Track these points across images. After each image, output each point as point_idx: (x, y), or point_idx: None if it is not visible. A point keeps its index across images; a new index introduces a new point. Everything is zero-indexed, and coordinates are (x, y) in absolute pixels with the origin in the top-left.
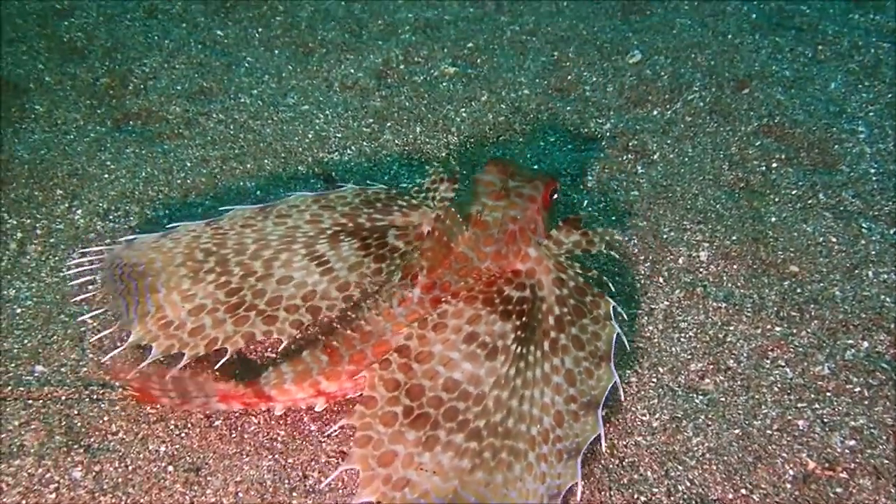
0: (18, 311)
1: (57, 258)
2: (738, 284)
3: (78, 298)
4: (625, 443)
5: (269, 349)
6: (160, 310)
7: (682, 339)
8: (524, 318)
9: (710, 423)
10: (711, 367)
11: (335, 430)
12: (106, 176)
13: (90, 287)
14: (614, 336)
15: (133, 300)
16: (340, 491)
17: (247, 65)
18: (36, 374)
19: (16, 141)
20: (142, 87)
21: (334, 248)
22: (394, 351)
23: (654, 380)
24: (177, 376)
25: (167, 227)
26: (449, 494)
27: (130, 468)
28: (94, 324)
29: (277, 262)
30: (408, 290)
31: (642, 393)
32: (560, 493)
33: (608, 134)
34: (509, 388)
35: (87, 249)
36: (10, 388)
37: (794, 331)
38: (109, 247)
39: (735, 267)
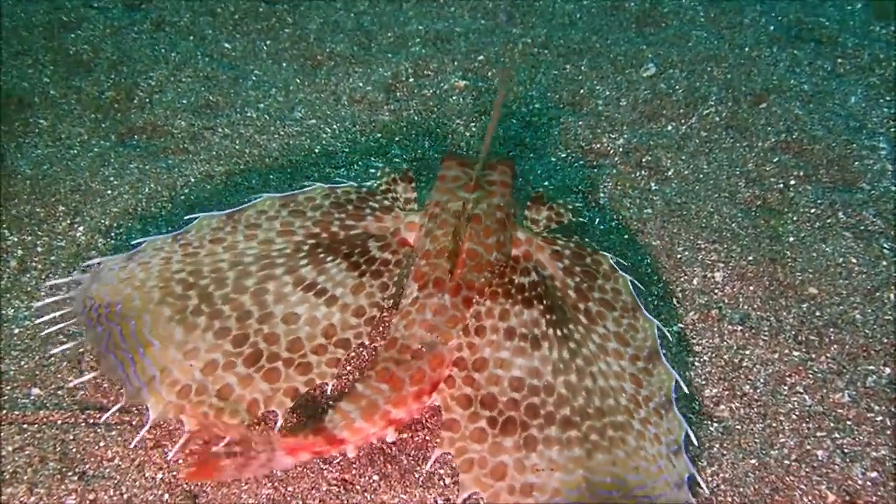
0: (16, 331)
1: (57, 276)
2: (755, 307)
3: (47, 331)
4: None
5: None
6: (166, 373)
7: (696, 364)
8: (545, 301)
9: (724, 452)
10: (727, 392)
11: (430, 464)
12: (109, 192)
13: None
14: (630, 284)
15: (126, 357)
16: None
17: (254, 78)
18: (32, 398)
19: (18, 156)
20: (147, 100)
21: (322, 271)
22: (452, 366)
23: None
24: (241, 431)
25: (132, 244)
26: (581, 484)
27: (126, 496)
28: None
29: (268, 295)
30: (436, 298)
31: None
32: (680, 446)
33: (621, 149)
34: (574, 372)
35: (55, 282)
36: (4, 411)
37: (813, 356)
38: (75, 278)
39: (751, 288)
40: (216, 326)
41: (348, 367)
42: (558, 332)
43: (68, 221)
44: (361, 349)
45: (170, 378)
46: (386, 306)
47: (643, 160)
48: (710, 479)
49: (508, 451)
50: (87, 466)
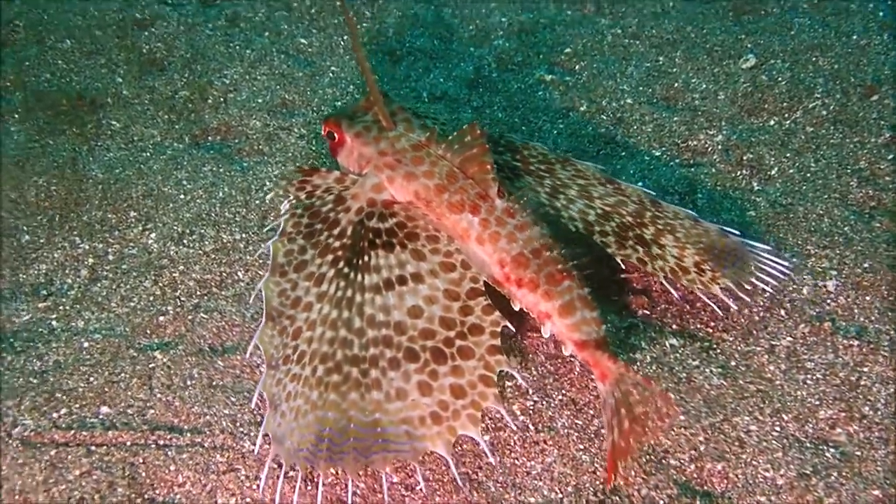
0: (86, 345)
1: (128, 287)
2: (873, 319)
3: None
4: (746, 502)
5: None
6: (409, 420)
7: (808, 382)
8: (516, 172)
9: (844, 481)
10: (844, 414)
11: None
12: (182, 196)
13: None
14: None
15: (379, 445)
16: None
17: (331, 74)
18: (101, 417)
19: (90, 159)
20: (221, 100)
21: (376, 269)
22: (600, 231)
23: (778, 429)
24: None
25: (252, 406)
26: (711, 252)
27: None
28: (164, 359)
29: (379, 316)
30: (498, 206)
31: (765, 444)
32: (693, 216)
33: (720, 147)
34: (598, 198)
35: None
36: (73, 431)
37: None
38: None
39: (868, 298)
40: (385, 366)
41: None
42: (555, 182)
43: (140, 228)
44: None
45: (415, 419)
46: (455, 249)
47: (744, 158)
48: None
49: (679, 255)
50: (157, 492)
